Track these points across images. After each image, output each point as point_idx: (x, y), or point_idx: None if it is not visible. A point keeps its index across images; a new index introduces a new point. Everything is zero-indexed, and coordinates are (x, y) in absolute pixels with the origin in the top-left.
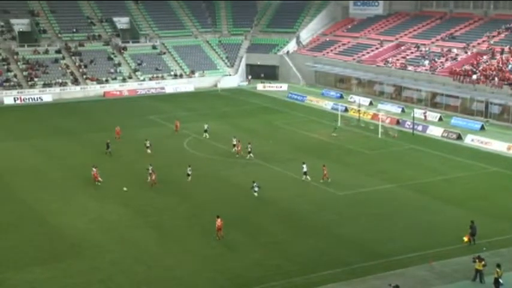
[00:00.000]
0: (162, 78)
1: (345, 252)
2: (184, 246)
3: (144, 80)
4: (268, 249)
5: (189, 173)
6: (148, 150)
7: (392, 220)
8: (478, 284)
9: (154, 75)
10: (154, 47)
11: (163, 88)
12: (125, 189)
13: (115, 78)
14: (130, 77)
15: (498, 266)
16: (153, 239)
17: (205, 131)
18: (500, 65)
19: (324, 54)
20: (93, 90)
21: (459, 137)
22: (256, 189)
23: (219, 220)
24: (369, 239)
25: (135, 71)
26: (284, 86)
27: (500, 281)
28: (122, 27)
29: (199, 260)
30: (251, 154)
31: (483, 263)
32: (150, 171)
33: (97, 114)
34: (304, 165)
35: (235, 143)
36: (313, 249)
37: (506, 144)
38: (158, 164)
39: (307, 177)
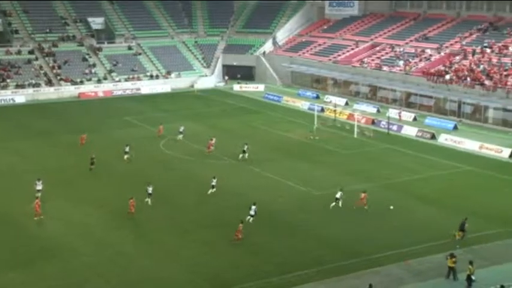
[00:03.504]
0: (138, 79)
1: (322, 251)
2: (161, 247)
3: (119, 81)
4: (246, 249)
5: (214, 184)
6: (126, 156)
7: (368, 219)
8: (451, 281)
9: (130, 76)
10: (130, 48)
11: (139, 89)
12: (391, 207)
13: (90, 79)
14: (105, 78)
15: (470, 263)
16: (129, 241)
17: (180, 132)
18: (472, 65)
19: (300, 55)
20: (68, 91)
21: (433, 137)
22: (252, 212)
23: (240, 226)
24: (345, 238)
25: (110, 71)
26: (260, 87)
27: (473, 277)
28: (96, 27)
29: (177, 261)
30: (245, 155)
31: (454, 259)
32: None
33: (72, 116)
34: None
35: (245, 148)
36: (290, 249)
37: (478, 144)
38: (133, 165)
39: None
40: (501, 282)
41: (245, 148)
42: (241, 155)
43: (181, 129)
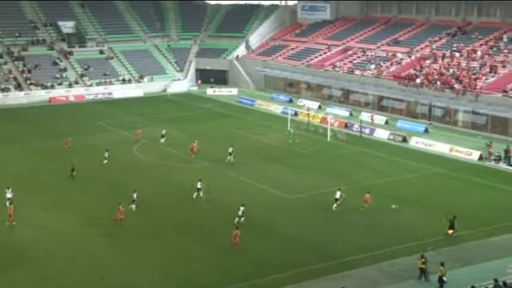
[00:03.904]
0: (110, 83)
1: (296, 254)
2: (137, 253)
3: (91, 85)
4: (222, 253)
5: (199, 187)
6: (105, 161)
7: (342, 222)
8: (423, 283)
9: (102, 81)
10: (101, 52)
11: (111, 93)
12: (393, 206)
13: (61, 84)
14: (76, 82)
15: (442, 264)
16: (105, 247)
17: (162, 136)
18: (442, 69)
19: (273, 59)
20: (38, 95)
21: (404, 140)
22: (240, 213)
23: (237, 231)
24: (319, 240)
25: (81, 76)
26: (234, 91)
27: (444, 278)
28: (67, 31)
29: (154, 267)
30: (232, 157)
31: (423, 260)
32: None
33: (42, 120)
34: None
35: (231, 150)
36: (265, 252)
37: (449, 146)
38: (107, 170)
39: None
40: (472, 283)
41: (230, 150)
42: (228, 157)
43: (163, 132)
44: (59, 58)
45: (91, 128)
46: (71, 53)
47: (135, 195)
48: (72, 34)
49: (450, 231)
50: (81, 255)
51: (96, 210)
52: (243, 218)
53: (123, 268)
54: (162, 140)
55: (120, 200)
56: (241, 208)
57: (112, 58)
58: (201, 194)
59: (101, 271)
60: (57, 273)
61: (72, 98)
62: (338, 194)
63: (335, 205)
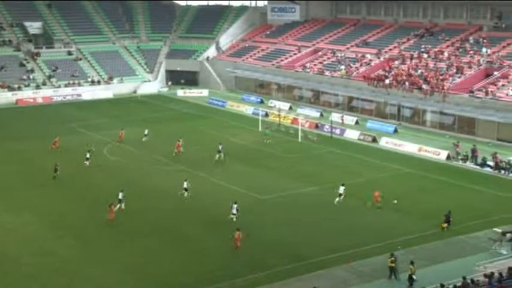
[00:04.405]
0: (79, 84)
1: (268, 255)
2: (107, 255)
3: (59, 86)
4: (193, 255)
5: (234, 212)
6: (86, 163)
7: (313, 222)
8: (394, 281)
9: (71, 82)
10: (69, 53)
11: (80, 95)
12: (395, 201)
13: (28, 85)
14: (44, 84)
15: (411, 263)
16: (74, 249)
17: (145, 135)
18: (411, 70)
19: (243, 60)
20: (5, 97)
21: (374, 140)
22: (234, 211)
23: (238, 233)
24: (291, 241)
25: (49, 77)
26: (205, 92)
27: (414, 277)
28: (34, 32)
29: (124, 269)
30: (221, 155)
31: (392, 259)
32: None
33: (9, 123)
34: None
35: (220, 148)
36: (237, 254)
37: (417, 146)
38: (76, 172)
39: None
40: (441, 281)
41: (220, 148)
42: (217, 156)
43: (146, 131)
44: (25, 59)
45: (59, 130)
46: (38, 54)
47: (121, 195)
48: (39, 35)
49: (444, 225)
50: (49, 258)
51: (65, 212)
52: (235, 217)
53: (93, 270)
54: (144, 139)
55: (88, 201)
56: (235, 206)
57: (80, 59)
58: (189, 193)
59: (70, 274)
60: (24, 277)
61: (40, 100)
62: (341, 189)
63: (337, 199)
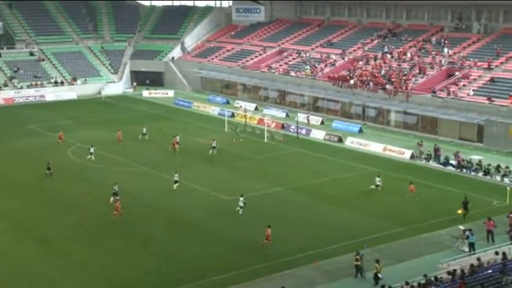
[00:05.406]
0: (42, 85)
1: (235, 256)
2: (70, 258)
3: (21, 87)
4: (159, 257)
5: (241, 205)
6: (89, 156)
7: (280, 222)
8: (360, 280)
9: (33, 83)
10: (31, 54)
11: (43, 96)
12: (459, 212)
13: None
14: (6, 85)
15: (377, 261)
16: (36, 253)
17: (144, 134)
18: (374, 70)
19: (209, 61)
20: None
21: (340, 140)
22: (241, 204)
23: (269, 230)
24: (257, 242)
25: (11, 78)
26: (170, 93)
27: (380, 275)
28: None
29: (87, 272)
30: (215, 150)
31: (357, 257)
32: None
33: None
34: None
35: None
36: (204, 255)
37: (382, 146)
38: (37, 175)
39: None
40: (406, 279)
41: (214, 144)
42: (210, 151)
43: (144, 130)
44: None
45: (21, 131)
46: None
47: (116, 188)
48: (0, 35)
49: (460, 211)
50: (10, 262)
51: (26, 216)
52: (241, 210)
53: (56, 274)
54: (140, 137)
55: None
56: (241, 199)
57: (43, 60)
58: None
59: (31, 278)
60: None
61: (1, 102)
62: (378, 180)
63: (373, 186)
